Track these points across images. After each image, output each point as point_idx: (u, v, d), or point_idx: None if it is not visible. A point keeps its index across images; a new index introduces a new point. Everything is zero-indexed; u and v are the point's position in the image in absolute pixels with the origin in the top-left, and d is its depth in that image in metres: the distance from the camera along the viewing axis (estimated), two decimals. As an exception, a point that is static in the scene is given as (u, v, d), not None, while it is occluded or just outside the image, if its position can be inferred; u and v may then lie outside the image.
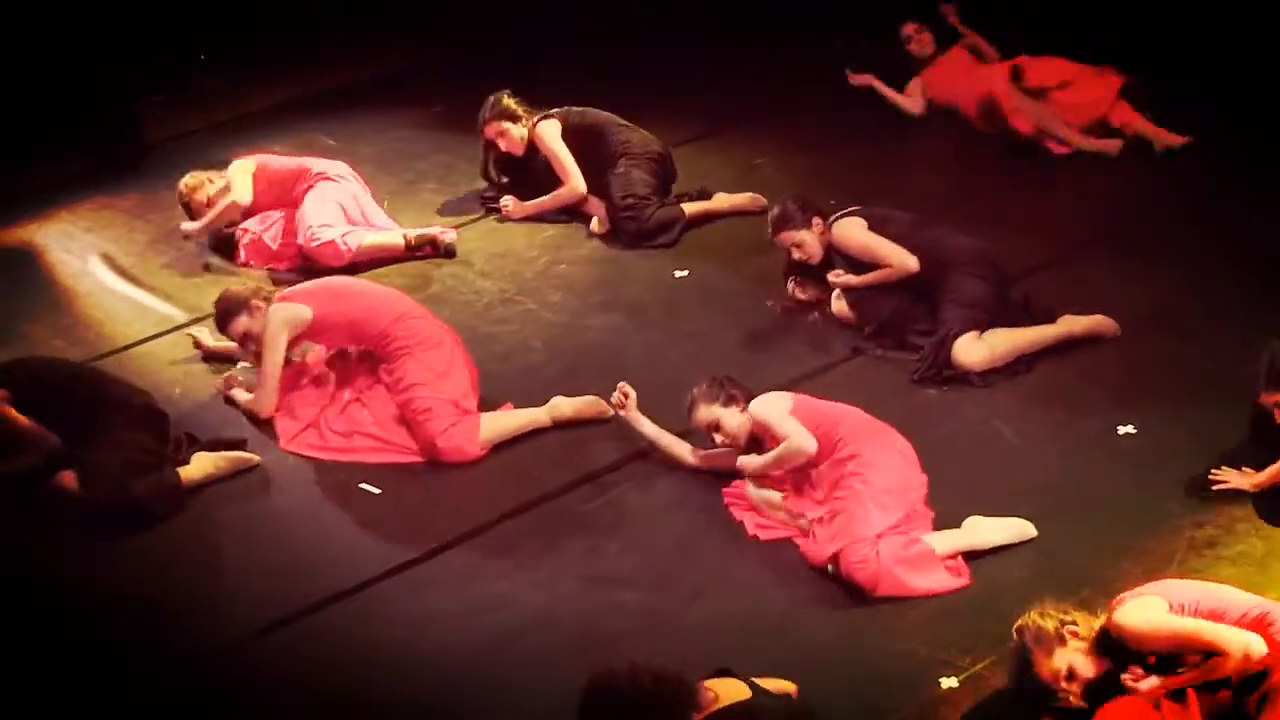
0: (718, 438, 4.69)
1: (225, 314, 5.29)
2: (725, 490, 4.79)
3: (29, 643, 4.42)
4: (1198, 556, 4.35)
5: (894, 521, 4.40)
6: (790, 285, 5.63)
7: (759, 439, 4.70)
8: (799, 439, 4.56)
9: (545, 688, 4.05)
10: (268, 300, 5.27)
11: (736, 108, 7.33)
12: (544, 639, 4.27)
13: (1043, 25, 7.30)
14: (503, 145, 6.42)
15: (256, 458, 5.07)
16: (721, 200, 6.44)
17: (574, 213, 6.46)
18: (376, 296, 5.32)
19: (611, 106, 6.52)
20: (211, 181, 6.32)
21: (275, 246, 6.26)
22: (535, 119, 6.38)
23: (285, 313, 5.17)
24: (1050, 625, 3.70)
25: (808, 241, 5.42)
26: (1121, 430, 4.94)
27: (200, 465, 5.00)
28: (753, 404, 4.68)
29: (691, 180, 6.56)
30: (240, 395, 5.33)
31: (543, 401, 5.22)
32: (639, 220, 6.20)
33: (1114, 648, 3.68)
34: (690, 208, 6.36)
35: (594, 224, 6.36)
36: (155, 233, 6.67)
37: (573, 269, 6.19)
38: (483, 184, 6.73)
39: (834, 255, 5.47)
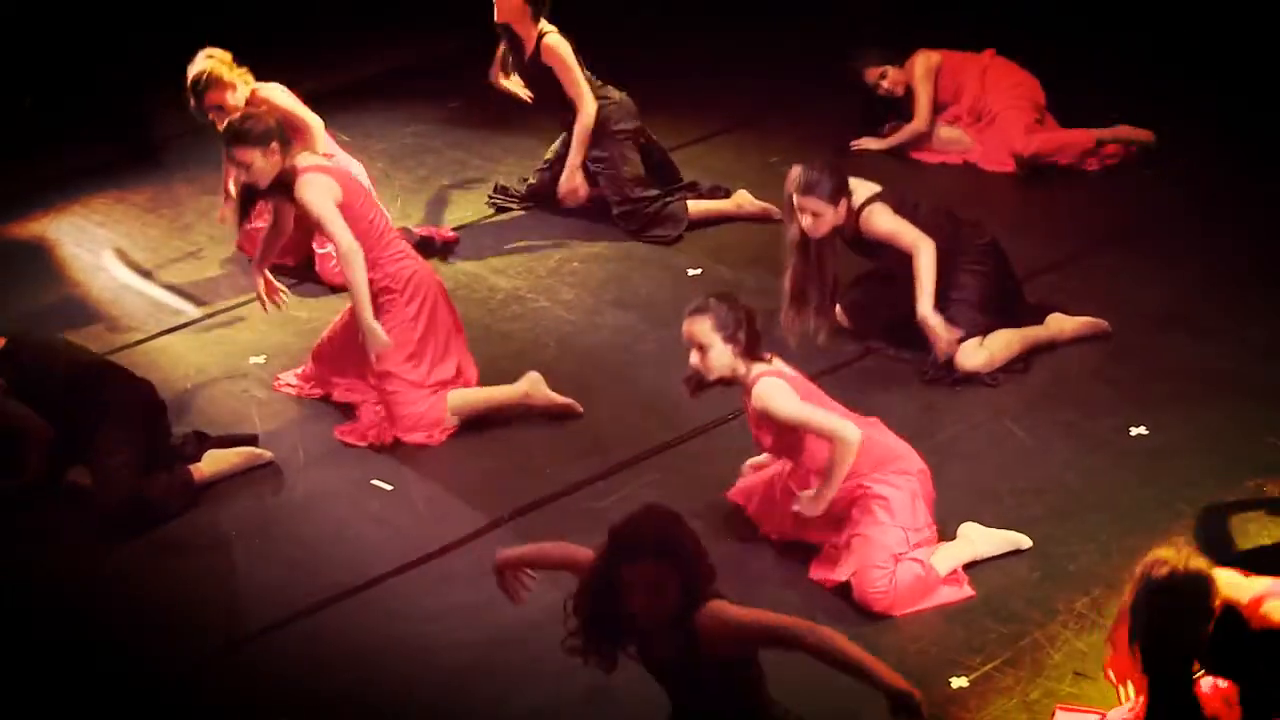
0: (694, 358, 4.42)
1: (244, 135, 5.03)
2: (729, 494, 4.76)
3: (44, 642, 4.44)
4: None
5: (909, 547, 4.38)
6: (787, 310, 5.31)
7: (756, 421, 4.49)
8: (842, 431, 4.29)
9: (558, 680, 4.07)
10: (284, 146, 5.07)
11: (754, 104, 7.34)
12: (557, 633, 4.24)
13: (1041, 22, 7.32)
14: (496, 4, 6.17)
15: (269, 454, 5.09)
16: (735, 202, 6.42)
17: (589, 213, 6.46)
18: (380, 216, 5.27)
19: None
20: (235, 89, 5.84)
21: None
22: (544, 28, 6.20)
23: (324, 183, 5.06)
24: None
25: (825, 218, 5.11)
26: (1134, 431, 4.97)
27: (213, 462, 5.01)
28: (761, 392, 4.37)
29: (706, 177, 6.58)
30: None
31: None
32: (637, 219, 6.28)
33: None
34: (697, 206, 6.37)
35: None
36: (168, 227, 6.69)
37: (585, 266, 6.21)
38: (494, 185, 6.71)
39: (842, 235, 5.27)
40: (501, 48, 6.34)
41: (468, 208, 6.68)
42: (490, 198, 6.67)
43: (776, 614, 3.36)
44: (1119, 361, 5.35)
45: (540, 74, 6.26)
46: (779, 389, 4.36)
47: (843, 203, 5.15)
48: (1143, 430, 4.96)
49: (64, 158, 7.24)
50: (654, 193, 6.31)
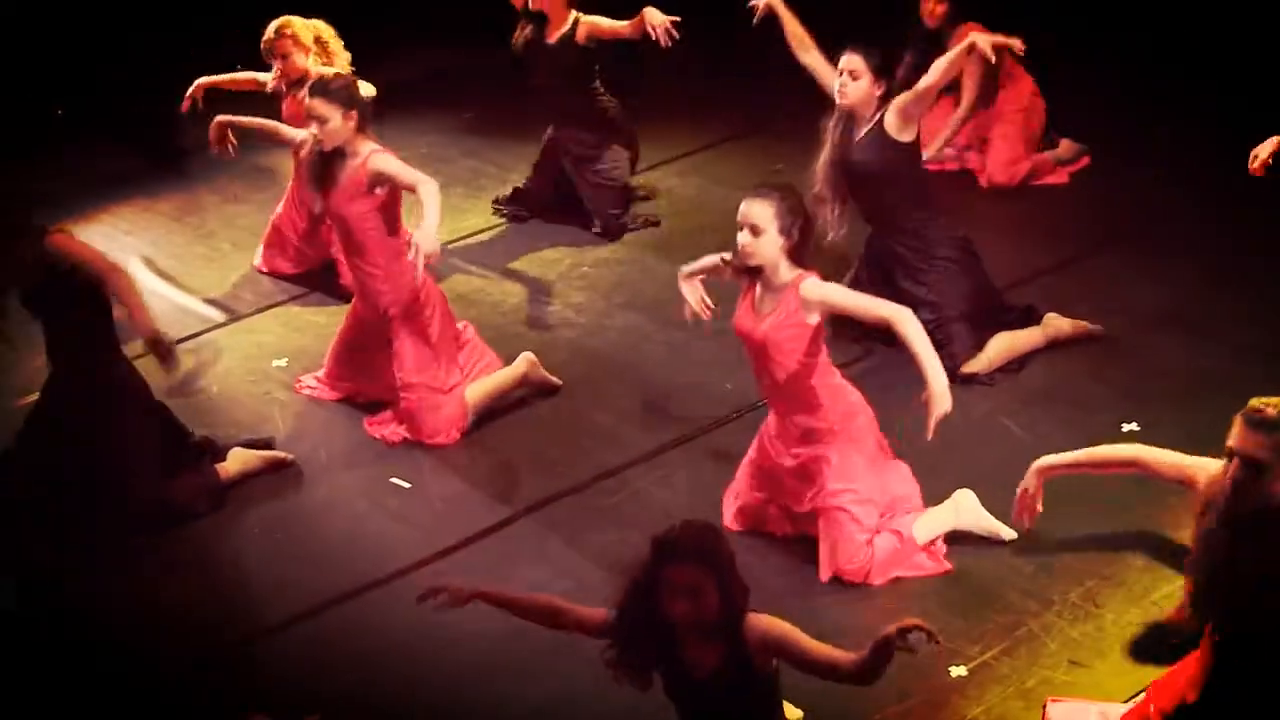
0: (742, 239, 4.33)
1: (331, 91, 5.04)
2: (727, 525, 4.76)
3: (54, 641, 4.48)
4: (1200, 550, 4.49)
5: (880, 511, 4.51)
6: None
7: (779, 329, 4.40)
8: (894, 309, 4.29)
9: (574, 670, 4.17)
10: (363, 122, 5.11)
11: (762, 111, 7.41)
12: None
13: (1040, 22, 7.36)
14: (544, 1, 6.32)
15: (290, 456, 5.19)
16: None
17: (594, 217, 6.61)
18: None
19: (641, 108, 6.64)
20: (306, 54, 6.02)
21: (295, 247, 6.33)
22: (579, 13, 6.34)
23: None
24: None
25: (860, 84, 5.19)
26: (1126, 427, 5.07)
27: (238, 461, 5.09)
28: (812, 284, 4.33)
29: (713, 183, 6.68)
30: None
31: (564, 399, 5.42)
32: (612, 232, 6.52)
33: None
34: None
35: None
36: (193, 235, 6.79)
37: (595, 270, 6.32)
38: (504, 192, 6.81)
39: (851, 138, 5.31)
40: (521, 32, 6.44)
41: (481, 216, 6.78)
42: (496, 203, 6.77)
43: (816, 641, 3.44)
44: (1114, 360, 5.44)
45: (565, 55, 6.36)
46: (829, 283, 4.39)
47: (882, 84, 5.20)
48: (1135, 427, 5.06)
49: (92, 166, 7.32)
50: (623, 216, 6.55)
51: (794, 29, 5.54)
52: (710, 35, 8.20)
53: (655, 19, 6.02)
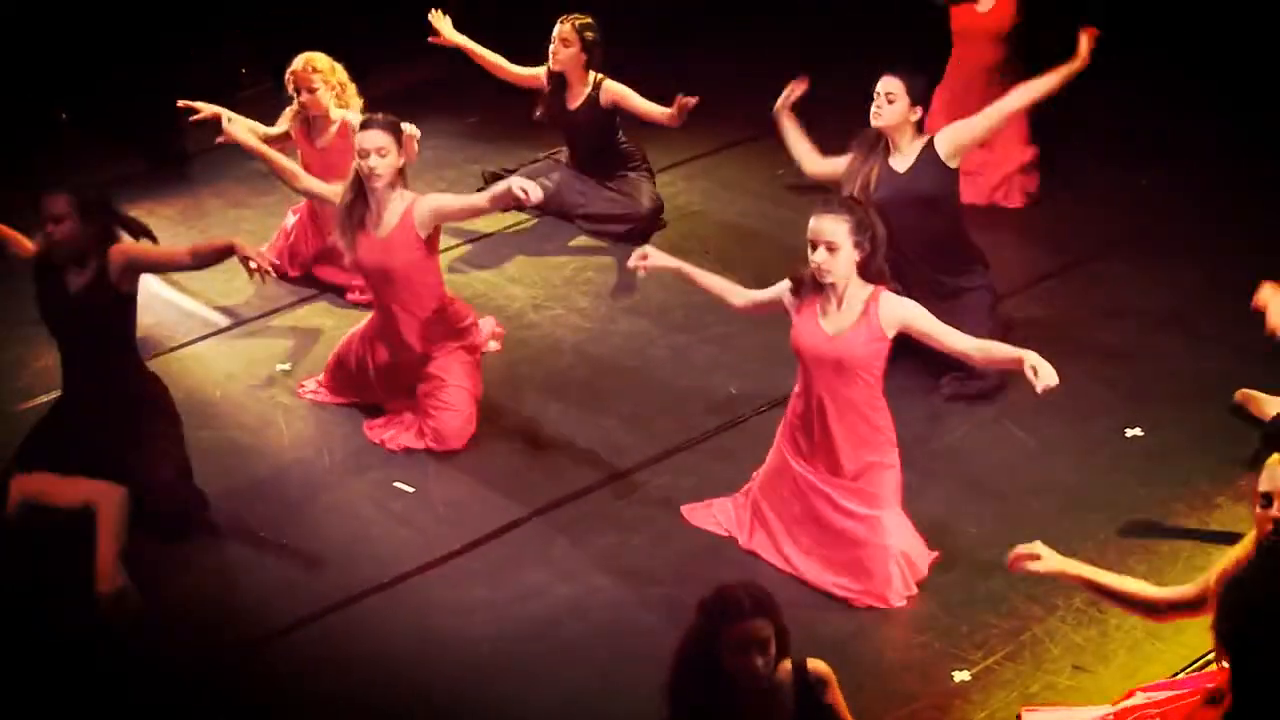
0: (817, 257, 4.27)
1: (392, 125, 5.10)
2: (744, 546, 4.72)
3: (61, 641, 4.45)
4: (1203, 555, 4.46)
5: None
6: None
7: (874, 323, 4.34)
8: (956, 334, 4.33)
9: (577, 674, 4.20)
10: (404, 165, 5.16)
11: (764, 117, 7.39)
12: (576, 628, 4.40)
13: (1039, 21, 7.39)
14: (553, 53, 6.34)
15: None
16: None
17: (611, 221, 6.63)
18: None
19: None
20: (328, 90, 6.04)
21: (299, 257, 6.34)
22: (597, 76, 6.38)
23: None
24: None
25: (895, 108, 5.09)
26: (1130, 433, 5.09)
27: None
28: (890, 296, 4.33)
29: (720, 187, 6.70)
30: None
31: (568, 403, 5.43)
32: (637, 236, 6.45)
33: None
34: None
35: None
36: (199, 239, 6.79)
37: (600, 275, 6.33)
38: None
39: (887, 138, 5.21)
40: (547, 94, 6.46)
41: (486, 221, 6.74)
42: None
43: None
44: (1117, 363, 5.46)
45: (586, 118, 6.43)
46: (906, 299, 4.39)
47: (918, 110, 5.13)
48: (1139, 432, 5.09)
49: (97, 169, 7.33)
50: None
51: (799, 144, 5.42)
52: (712, 38, 8.27)
53: (686, 101, 6.10)
